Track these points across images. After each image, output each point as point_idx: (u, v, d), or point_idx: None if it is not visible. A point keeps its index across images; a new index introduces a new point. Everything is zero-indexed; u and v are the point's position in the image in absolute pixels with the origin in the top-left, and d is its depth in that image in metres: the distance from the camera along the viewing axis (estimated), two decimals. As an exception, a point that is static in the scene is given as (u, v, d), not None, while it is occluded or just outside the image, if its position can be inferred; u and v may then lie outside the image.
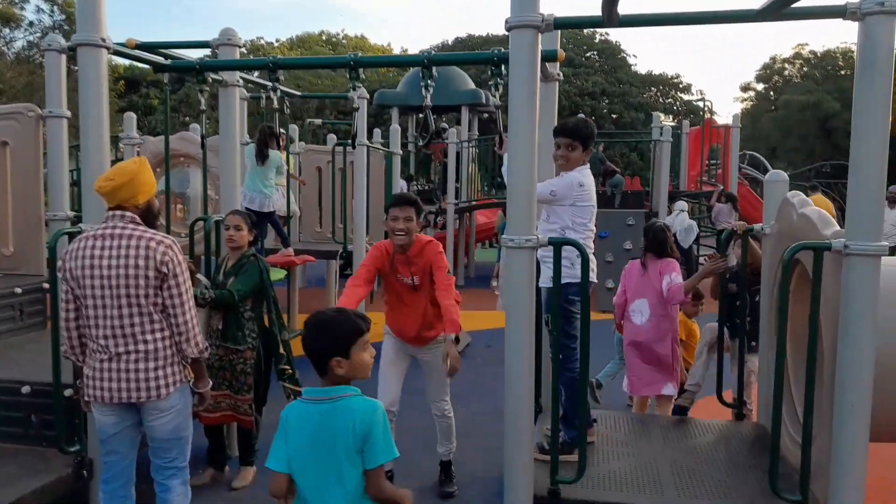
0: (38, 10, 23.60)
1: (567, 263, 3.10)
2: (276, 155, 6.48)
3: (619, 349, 5.10)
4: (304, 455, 2.06)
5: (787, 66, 35.19)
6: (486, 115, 15.90)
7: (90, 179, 3.15)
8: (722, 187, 12.54)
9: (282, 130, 6.48)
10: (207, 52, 4.52)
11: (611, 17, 2.88)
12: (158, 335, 2.77)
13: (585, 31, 33.37)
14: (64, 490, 3.27)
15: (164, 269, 2.73)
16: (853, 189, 2.57)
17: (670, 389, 4.40)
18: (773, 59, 35.72)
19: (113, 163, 3.20)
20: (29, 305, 4.62)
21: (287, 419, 2.12)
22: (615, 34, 35.07)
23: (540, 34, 2.73)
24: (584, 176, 3.34)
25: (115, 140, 9.07)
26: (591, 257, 3.28)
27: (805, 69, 33.76)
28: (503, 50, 3.24)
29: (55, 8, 23.41)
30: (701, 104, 24.58)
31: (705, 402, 4.37)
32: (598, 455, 3.34)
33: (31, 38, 23.64)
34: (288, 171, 6.87)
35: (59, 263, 2.85)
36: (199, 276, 3.99)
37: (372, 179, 7.94)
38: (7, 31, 23.64)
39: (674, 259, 4.46)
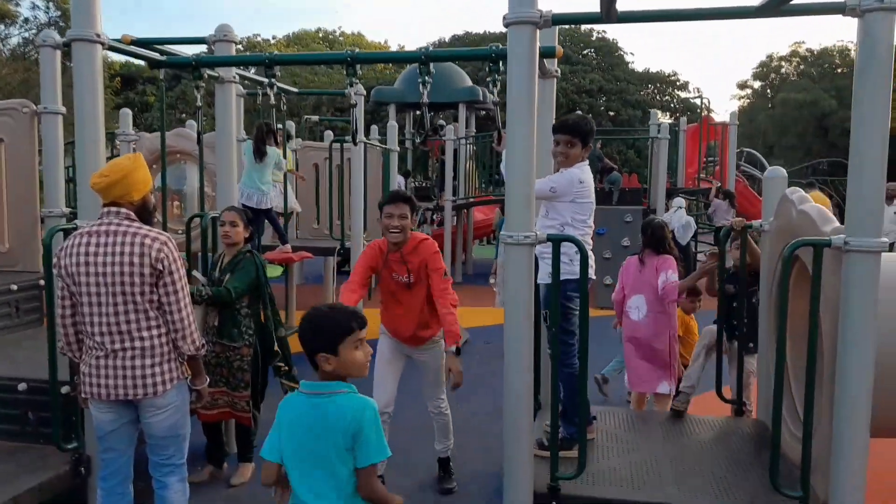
0: (34, 6, 23.57)
1: (566, 260, 3.09)
2: (273, 151, 6.46)
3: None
4: (296, 447, 2.07)
5: (784, 63, 35.26)
6: (483, 113, 15.89)
7: (85, 176, 3.13)
8: (719, 184, 12.56)
9: (279, 126, 6.45)
10: (204, 48, 4.50)
11: (609, 13, 2.88)
12: (154, 332, 2.76)
13: (582, 28, 33.41)
14: (61, 488, 3.26)
15: (160, 266, 2.71)
16: (853, 185, 2.56)
17: (665, 388, 4.41)
18: (770, 56, 35.82)
19: (109, 159, 3.18)
20: (25, 302, 4.60)
21: (283, 410, 2.13)
22: (612, 32, 35.11)
23: (538, 30, 2.71)
24: (584, 172, 3.33)
25: (111, 137, 9.04)
26: (590, 254, 3.27)
27: (802, 67, 33.83)
28: (501, 46, 3.23)
29: (50, 4, 23.35)
30: (698, 101, 24.63)
31: (704, 398, 4.38)
32: (598, 451, 3.34)
33: (26, 34, 23.56)
34: (286, 167, 6.84)
35: (55, 260, 2.83)
36: (194, 273, 3.98)
37: (369, 176, 7.93)
38: (2, 27, 23.57)
39: (671, 256, 4.47)
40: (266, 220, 6.76)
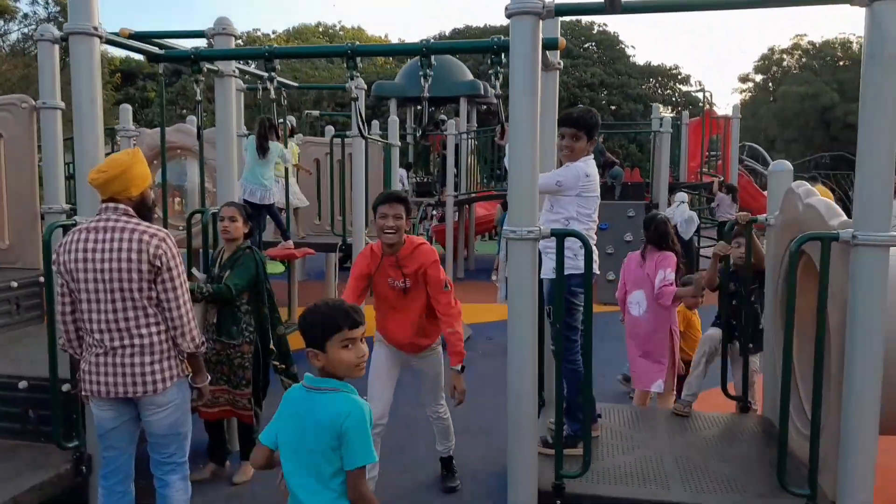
0: (33, 1, 23.49)
1: (570, 254, 3.06)
2: (276, 147, 6.43)
3: None
4: (289, 439, 2.08)
5: (785, 56, 35.10)
6: (484, 107, 15.83)
7: (84, 171, 3.10)
8: (722, 178, 12.51)
9: (280, 121, 6.41)
10: (204, 42, 4.46)
11: (613, 3, 2.83)
12: (154, 329, 2.73)
13: (583, 21, 33.28)
14: (62, 486, 3.24)
15: (158, 263, 2.68)
16: (861, 179, 2.52)
17: (660, 386, 4.38)
18: (772, 49, 35.62)
19: (109, 155, 3.15)
20: (25, 299, 4.58)
21: (285, 400, 2.15)
22: (613, 25, 34.98)
23: (541, 21, 2.67)
24: (589, 166, 3.29)
25: (111, 133, 9.01)
26: (594, 248, 3.23)
27: (804, 60, 33.67)
28: (503, 38, 3.19)
29: (49, 0, 23.27)
30: (701, 95, 24.51)
31: (709, 394, 4.35)
32: (603, 449, 3.31)
33: (25, 30, 23.50)
34: (292, 161, 6.81)
35: (54, 257, 2.81)
36: (193, 271, 3.95)
37: (370, 171, 7.89)
38: (2, 23, 23.49)
39: (672, 253, 4.44)
40: (268, 216, 6.74)
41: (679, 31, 76.78)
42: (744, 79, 37.55)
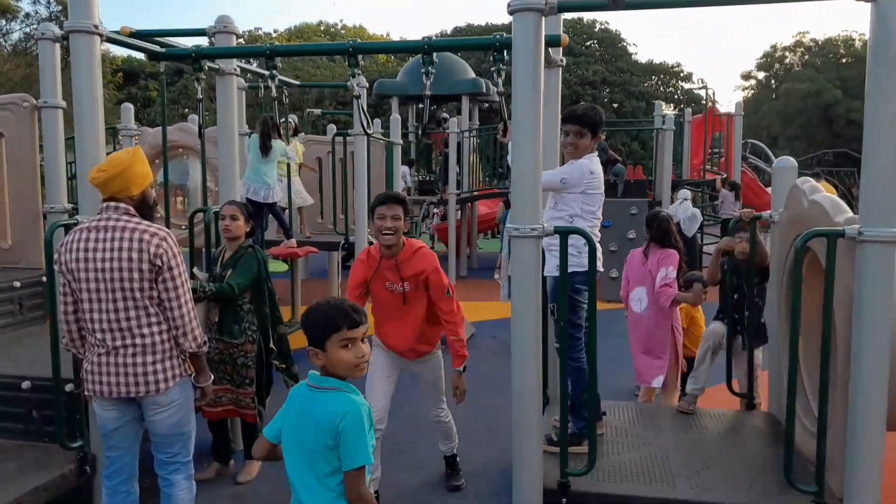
0: (35, 1, 23.48)
1: (573, 252, 3.04)
2: (278, 145, 6.42)
3: None
4: (289, 434, 2.09)
5: (788, 54, 35.03)
6: (486, 105, 15.80)
7: (86, 170, 3.09)
8: (725, 175, 12.48)
9: (282, 119, 6.39)
10: (205, 40, 4.45)
11: (616, -1, 2.81)
12: (156, 329, 2.72)
13: (585, 19, 33.23)
14: (66, 486, 3.23)
15: (159, 262, 2.67)
16: (867, 175, 2.51)
17: (659, 382, 4.37)
18: (774, 47, 35.59)
19: (110, 154, 3.14)
20: (28, 299, 4.57)
21: (290, 396, 2.15)
22: (615, 23, 34.91)
23: (543, 17, 2.66)
24: (594, 163, 3.27)
25: (113, 132, 9.01)
26: (597, 245, 3.22)
27: (806, 57, 33.61)
28: (506, 35, 3.17)
29: (51, -1, 23.29)
30: (703, 92, 24.45)
31: (714, 391, 4.33)
32: (608, 446, 3.30)
33: (27, 29, 23.50)
34: (297, 159, 6.80)
35: (56, 256, 2.80)
36: (195, 270, 3.94)
37: (373, 170, 7.88)
38: (3, 22, 23.50)
39: (674, 251, 4.43)
40: (271, 215, 6.73)
41: (681, 30, 76.64)
42: (746, 76, 37.53)
